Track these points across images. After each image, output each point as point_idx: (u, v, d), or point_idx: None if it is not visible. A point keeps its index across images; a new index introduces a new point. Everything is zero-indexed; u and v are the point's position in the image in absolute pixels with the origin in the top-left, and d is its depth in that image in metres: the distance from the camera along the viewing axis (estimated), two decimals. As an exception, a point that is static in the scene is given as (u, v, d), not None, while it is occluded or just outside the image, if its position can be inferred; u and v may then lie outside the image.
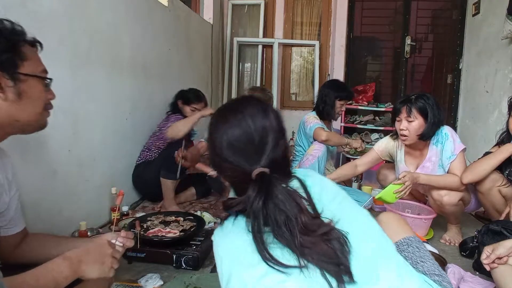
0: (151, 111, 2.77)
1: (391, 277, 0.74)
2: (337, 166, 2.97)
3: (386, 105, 4.16)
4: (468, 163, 1.98)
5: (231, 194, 0.91)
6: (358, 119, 4.31)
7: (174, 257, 1.63)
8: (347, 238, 0.73)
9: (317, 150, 2.51)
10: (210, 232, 1.88)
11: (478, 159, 1.94)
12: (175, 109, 2.71)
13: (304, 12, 4.59)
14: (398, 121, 2.00)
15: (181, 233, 1.74)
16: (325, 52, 4.55)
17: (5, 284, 0.72)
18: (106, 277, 0.92)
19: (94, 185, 2.10)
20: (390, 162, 2.38)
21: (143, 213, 2.19)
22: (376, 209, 2.52)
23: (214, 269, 1.67)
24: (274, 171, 0.78)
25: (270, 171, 0.77)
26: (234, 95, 4.58)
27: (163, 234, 1.73)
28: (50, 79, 0.97)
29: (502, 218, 1.71)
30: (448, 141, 1.97)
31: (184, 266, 1.63)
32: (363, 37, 4.52)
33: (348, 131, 4.27)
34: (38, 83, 0.93)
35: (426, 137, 1.97)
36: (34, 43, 0.95)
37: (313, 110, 2.78)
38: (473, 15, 3.80)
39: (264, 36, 4.55)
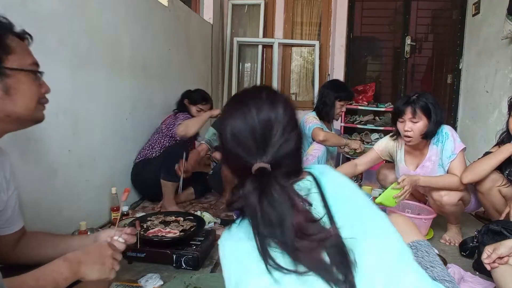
0: (151, 111, 2.77)
1: (411, 286, 0.70)
2: (337, 166, 2.96)
3: (386, 105, 4.16)
4: (468, 163, 1.99)
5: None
6: (358, 119, 4.31)
7: (174, 257, 1.63)
8: (350, 249, 0.68)
9: (317, 150, 2.52)
10: (210, 232, 1.88)
11: (478, 159, 1.94)
12: (182, 108, 2.73)
13: (304, 12, 4.59)
14: (401, 122, 1.97)
15: (181, 233, 1.74)
16: (325, 52, 4.55)
17: (5, 285, 0.72)
18: (107, 278, 0.92)
19: (94, 185, 2.10)
20: (390, 162, 2.38)
21: (143, 213, 2.19)
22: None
23: (214, 269, 1.67)
24: (280, 167, 0.74)
25: (273, 167, 0.73)
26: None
27: (163, 234, 1.73)
28: (41, 72, 0.93)
29: (502, 218, 1.71)
30: (448, 140, 1.97)
31: (184, 266, 1.62)
32: (363, 37, 4.52)
33: (348, 131, 4.27)
34: (26, 77, 0.88)
35: (429, 136, 1.97)
36: (23, 36, 0.91)
37: (313, 110, 2.78)
38: (473, 15, 3.80)
39: (264, 36, 4.55)
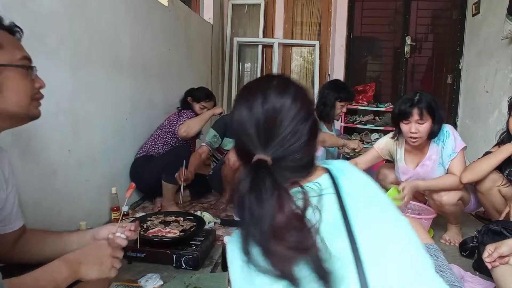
0: (151, 111, 2.77)
1: None
2: (337, 166, 2.96)
3: (386, 105, 4.16)
4: (468, 163, 1.99)
5: None
6: (358, 119, 4.31)
7: (174, 257, 1.63)
8: (332, 270, 0.60)
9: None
10: (210, 232, 1.88)
11: (478, 159, 1.94)
12: (185, 106, 2.75)
13: (304, 12, 4.59)
14: (407, 124, 1.93)
15: (181, 233, 1.74)
16: (325, 52, 4.55)
17: (5, 285, 0.71)
18: (107, 277, 0.91)
19: (94, 185, 2.10)
20: (390, 162, 2.38)
21: (143, 213, 2.19)
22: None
23: (214, 269, 1.67)
24: (284, 161, 0.68)
25: (276, 160, 0.67)
26: (234, 95, 4.58)
27: (163, 234, 1.73)
28: (32, 67, 0.89)
29: (502, 218, 1.71)
30: (449, 139, 1.97)
31: (184, 266, 1.62)
32: (363, 37, 4.52)
33: (348, 131, 4.27)
34: (16, 72, 0.85)
35: (434, 135, 1.96)
36: (13, 30, 0.87)
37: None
38: (473, 15, 3.80)
39: (264, 36, 4.55)
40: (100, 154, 2.15)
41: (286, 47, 4.65)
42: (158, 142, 2.57)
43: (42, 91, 0.94)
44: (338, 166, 0.74)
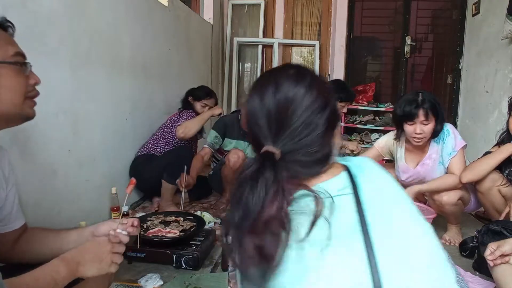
0: (151, 111, 2.77)
1: None
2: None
3: (386, 105, 4.16)
4: (468, 163, 1.99)
5: None
6: (358, 119, 4.31)
7: (174, 257, 1.63)
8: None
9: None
10: (210, 232, 1.88)
11: (478, 158, 1.94)
12: (186, 105, 2.75)
13: (304, 12, 4.59)
14: (411, 125, 1.92)
15: (181, 233, 1.74)
16: (325, 52, 4.55)
17: (6, 285, 0.71)
18: (108, 273, 0.91)
19: (94, 185, 2.10)
20: (390, 162, 2.38)
21: (143, 213, 2.19)
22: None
23: (214, 269, 1.67)
24: (295, 155, 0.64)
25: (286, 154, 0.64)
26: (234, 95, 4.59)
27: (163, 234, 1.73)
28: (25, 63, 0.85)
29: (502, 218, 1.71)
30: (449, 137, 1.98)
31: (184, 266, 1.62)
32: (363, 37, 4.53)
33: (348, 131, 4.27)
34: (9, 70, 0.81)
35: (437, 134, 1.97)
36: (4, 25, 0.84)
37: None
38: (473, 15, 3.80)
39: (264, 36, 4.55)
40: (100, 154, 2.15)
41: (286, 47, 4.65)
42: (160, 142, 2.56)
43: (40, 89, 0.91)
44: (357, 163, 0.70)
